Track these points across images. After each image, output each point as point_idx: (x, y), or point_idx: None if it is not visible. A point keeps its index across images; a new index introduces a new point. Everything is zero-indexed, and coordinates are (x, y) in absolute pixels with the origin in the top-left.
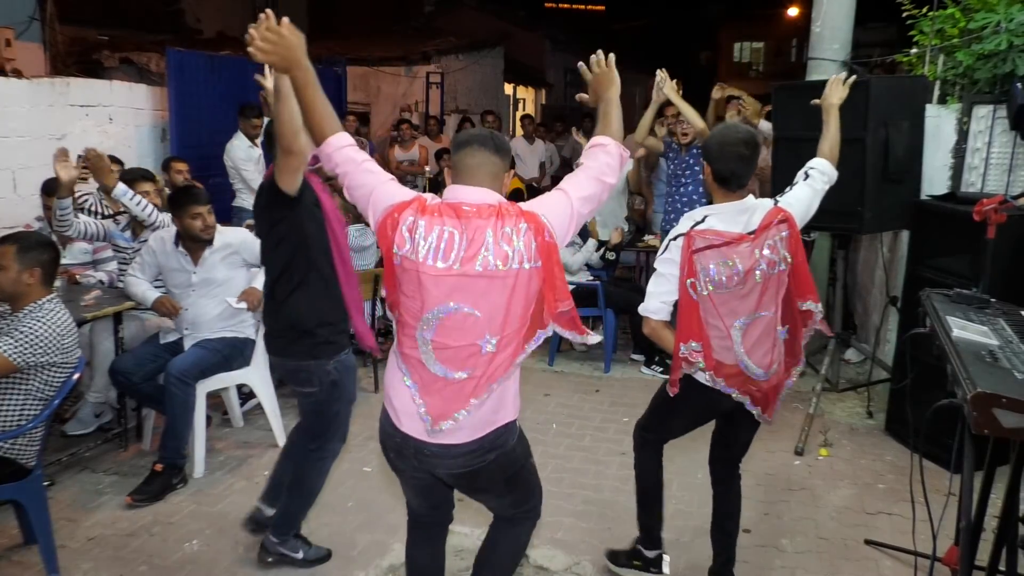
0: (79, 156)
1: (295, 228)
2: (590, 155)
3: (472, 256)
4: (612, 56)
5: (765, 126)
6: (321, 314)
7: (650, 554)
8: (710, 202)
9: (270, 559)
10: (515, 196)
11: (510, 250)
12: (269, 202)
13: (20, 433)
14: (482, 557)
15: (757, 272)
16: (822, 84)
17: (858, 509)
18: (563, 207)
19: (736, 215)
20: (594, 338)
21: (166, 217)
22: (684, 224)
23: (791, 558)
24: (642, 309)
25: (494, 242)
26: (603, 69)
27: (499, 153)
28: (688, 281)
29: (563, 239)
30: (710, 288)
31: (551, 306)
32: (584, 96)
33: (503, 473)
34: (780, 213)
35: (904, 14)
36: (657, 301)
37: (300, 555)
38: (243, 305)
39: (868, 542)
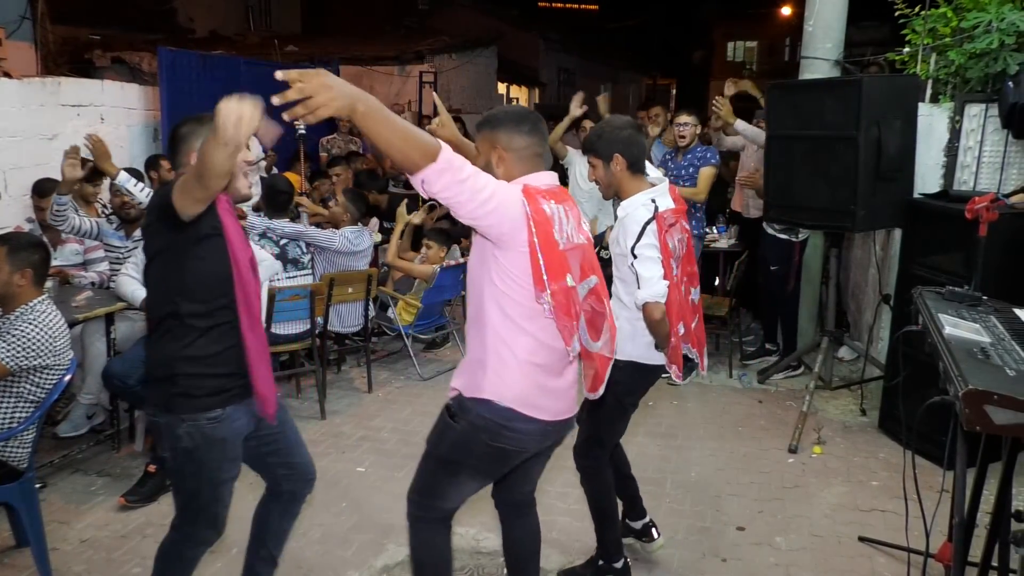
0: (84, 141)
1: (177, 255)
2: None
3: (582, 229)
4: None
5: (741, 126)
6: (189, 360)
7: (618, 564)
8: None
9: None
10: None
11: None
12: (158, 218)
13: (11, 435)
14: (526, 550)
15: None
16: (815, 83)
17: (852, 506)
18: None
19: (665, 194)
20: None
21: None
22: (645, 211)
23: (785, 555)
24: (650, 295)
25: (576, 217)
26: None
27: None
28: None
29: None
30: (673, 265)
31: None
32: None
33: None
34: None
35: (896, 13)
36: (661, 284)
37: None
38: None
39: (862, 539)
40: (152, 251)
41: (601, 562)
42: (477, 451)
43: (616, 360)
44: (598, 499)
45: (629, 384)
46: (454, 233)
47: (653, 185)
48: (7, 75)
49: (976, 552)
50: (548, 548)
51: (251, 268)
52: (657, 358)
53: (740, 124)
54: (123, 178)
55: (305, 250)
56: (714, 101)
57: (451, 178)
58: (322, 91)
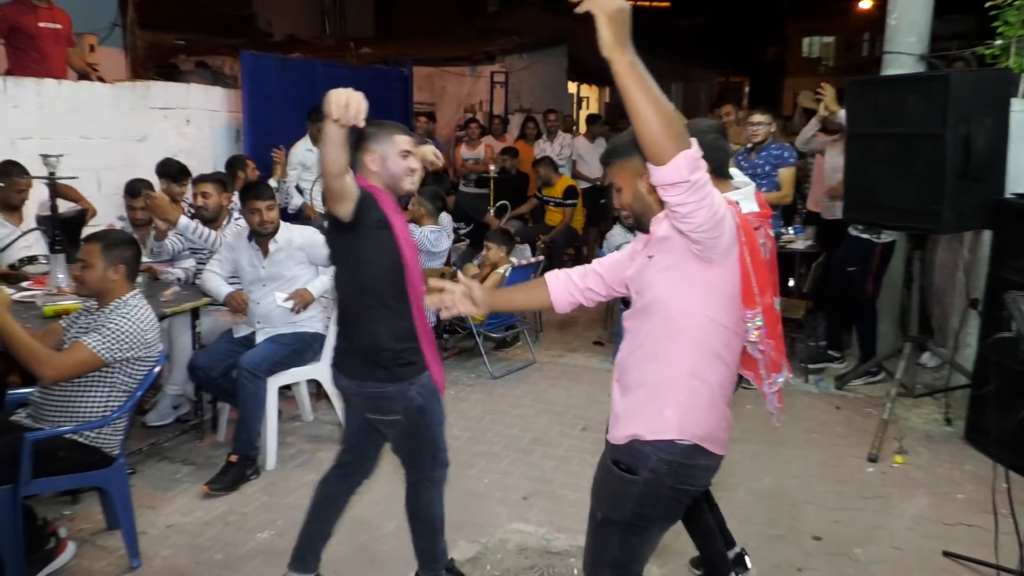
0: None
1: (352, 251)
2: None
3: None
4: None
5: (844, 116)
6: (394, 334)
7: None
8: None
9: None
10: (570, 194)
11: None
12: (329, 225)
13: (105, 423)
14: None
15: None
16: (899, 79)
17: (936, 519)
18: None
19: (750, 198)
20: None
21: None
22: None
23: (864, 568)
24: None
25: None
26: None
27: None
28: None
29: None
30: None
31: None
32: None
33: None
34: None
35: (987, 4)
36: None
37: None
38: (290, 304)
39: (947, 554)
40: (333, 255)
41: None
42: (664, 500)
43: None
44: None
45: None
46: (523, 234)
47: (737, 189)
48: (101, 80)
49: None
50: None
51: (414, 257)
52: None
53: (843, 114)
54: (183, 223)
55: None
56: (819, 88)
57: (701, 177)
58: (605, 6)
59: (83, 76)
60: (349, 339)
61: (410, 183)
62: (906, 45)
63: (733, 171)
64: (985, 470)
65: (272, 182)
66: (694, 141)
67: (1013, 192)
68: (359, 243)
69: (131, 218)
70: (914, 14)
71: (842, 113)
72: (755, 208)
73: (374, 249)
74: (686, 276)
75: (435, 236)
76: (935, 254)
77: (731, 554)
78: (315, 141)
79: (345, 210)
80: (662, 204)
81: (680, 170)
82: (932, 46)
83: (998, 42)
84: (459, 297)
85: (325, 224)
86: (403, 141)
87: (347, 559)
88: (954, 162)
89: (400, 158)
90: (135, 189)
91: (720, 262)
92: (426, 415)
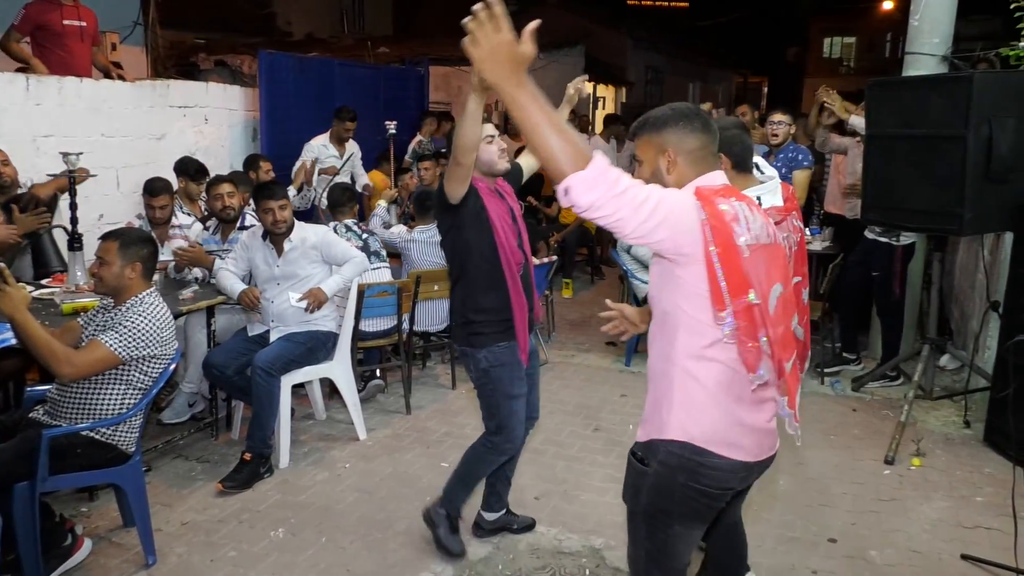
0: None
1: (457, 230)
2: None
3: (773, 228)
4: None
5: (856, 121)
6: (475, 306)
7: None
8: None
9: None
10: None
11: (786, 227)
12: (438, 205)
13: (121, 420)
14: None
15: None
16: (921, 79)
17: (954, 522)
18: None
19: (775, 192)
20: None
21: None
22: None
23: (880, 570)
24: None
25: (766, 219)
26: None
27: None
28: None
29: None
30: None
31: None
32: None
33: None
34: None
35: (1012, 6)
36: None
37: (440, 531)
38: (303, 304)
39: (965, 557)
40: (442, 230)
41: None
42: (679, 495)
43: None
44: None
45: None
46: (536, 233)
47: (761, 183)
48: (122, 78)
49: None
50: None
51: (512, 239)
52: None
53: (856, 119)
54: (219, 264)
55: (382, 244)
56: (826, 97)
57: (605, 191)
58: (477, 46)
59: (107, 74)
60: (451, 307)
61: (504, 163)
62: (929, 46)
63: (761, 162)
64: (1004, 473)
65: (291, 190)
66: (596, 156)
67: None
68: (458, 224)
69: (149, 217)
70: (937, 15)
71: (853, 119)
72: (779, 202)
73: (470, 230)
74: (667, 273)
75: (430, 235)
76: (955, 256)
77: None
78: (339, 140)
79: (458, 193)
80: (680, 186)
81: (568, 194)
82: (955, 47)
83: (1022, 44)
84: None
85: (331, 224)
86: (486, 129)
87: (360, 557)
88: (976, 164)
89: (487, 144)
90: (153, 187)
91: (689, 262)
92: (491, 380)
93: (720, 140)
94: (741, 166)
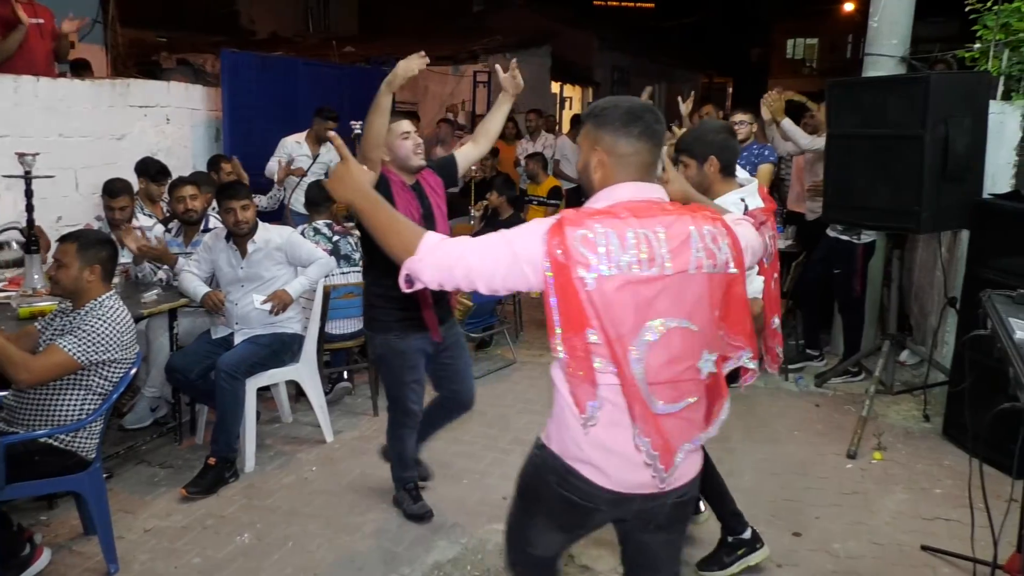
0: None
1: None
2: (742, 224)
3: (683, 255)
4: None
5: (787, 124)
6: (379, 293)
7: (746, 535)
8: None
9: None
10: (554, 194)
11: (716, 249)
12: None
13: (80, 426)
14: None
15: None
16: (880, 80)
17: (914, 514)
18: (749, 235)
19: (755, 194)
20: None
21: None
22: (736, 210)
23: (843, 563)
24: (749, 292)
25: (700, 239)
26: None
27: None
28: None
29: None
30: (765, 261)
31: (743, 325)
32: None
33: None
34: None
35: (967, 8)
36: (758, 280)
37: (405, 506)
38: (268, 306)
39: (924, 548)
40: (356, 219)
41: (730, 538)
42: (546, 493)
43: None
44: (704, 478)
45: None
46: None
47: (742, 186)
48: (79, 77)
49: None
50: (599, 548)
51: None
52: None
53: (787, 123)
54: (182, 263)
55: (356, 247)
56: (765, 96)
57: (435, 270)
58: (337, 181)
59: (75, 66)
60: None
61: (419, 159)
62: (887, 47)
63: (737, 169)
64: (962, 465)
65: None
66: (424, 236)
67: (990, 193)
68: None
69: (108, 218)
70: (895, 17)
71: (785, 123)
72: (760, 203)
73: None
74: None
75: (348, 245)
76: (914, 253)
77: (747, 534)
78: (317, 140)
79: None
80: (603, 187)
81: (412, 271)
82: (914, 48)
83: (977, 46)
84: None
85: (299, 228)
86: (402, 126)
87: (327, 560)
88: (933, 163)
89: (402, 140)
90: (113, 188)
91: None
92: (385, 365)
93: (712, 143)
94: (727, 170)
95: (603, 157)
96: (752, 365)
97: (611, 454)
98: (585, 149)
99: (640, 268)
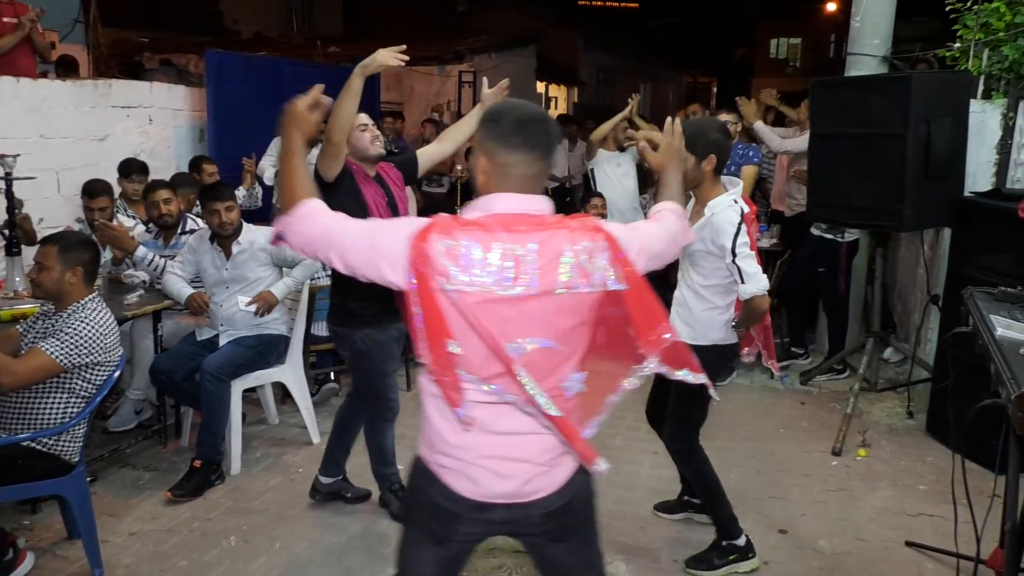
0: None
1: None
2: (661, 217)
3: (551, 274)
4: (678, 123)
5: (759, 126)
6: (351, 289)
7: (740, 541)
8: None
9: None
10: None
11: (591, 267)
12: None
13: (63, 430)
14: None
15: None
16: (862, 79)
17: (898, 510)
18: (630, 241)
19: (740, 197)
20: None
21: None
22: (733, 212)
23: (829, 559)
24: (758, 289)
25: (573, 257)
26: (671, 142)
27: (553, 151)
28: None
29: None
30: None
31: (645, 335)
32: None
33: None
34: None
35: (948, 8)
36: (764, 278)
37: (392, 508)
38: (252, 308)
39: (909, 544)
40: None
41: (724, 542)
42: (416, 499)
43: (700, 346)
44: (700, 478)
45: (714, 366)
46: None
47: (727, 189)
48: (60, 77)
49: None
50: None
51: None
52: (733, 337)
53: (759, 125)
54: (140, 254)
55: None
56: (738, 99)
57: (300, 238)
58: (289, 116)
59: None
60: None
61: (377, 148)
62: (869, 47)
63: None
64: (946, 461)
65: (240, 191)
66: (305, 201)
67: (971, 191)
68: (333, 205)
69: (89, 219)
70: (877, 16)
71: (757, 125)
72: (746, 207)
73: (344, 211)
74: None
75: None
76: (897, 252)
77: (741, 541)
78: (310, 141)
79: (332, 172)
80: (482, 192)
81: (282, 231)
82: (896, 48)
83: (957, 45)
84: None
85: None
86: (360, 118)
87: (314, 563)
88: (915, 162)
89: (360, 132)
90: (92, 189)
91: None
92: (367, 359)
93: (714, 142)
94: (719, 170)
95: (486, 165)
96: (692, 379)
97: (470, 462)
98: (475, 150)
99: (501, 287)
